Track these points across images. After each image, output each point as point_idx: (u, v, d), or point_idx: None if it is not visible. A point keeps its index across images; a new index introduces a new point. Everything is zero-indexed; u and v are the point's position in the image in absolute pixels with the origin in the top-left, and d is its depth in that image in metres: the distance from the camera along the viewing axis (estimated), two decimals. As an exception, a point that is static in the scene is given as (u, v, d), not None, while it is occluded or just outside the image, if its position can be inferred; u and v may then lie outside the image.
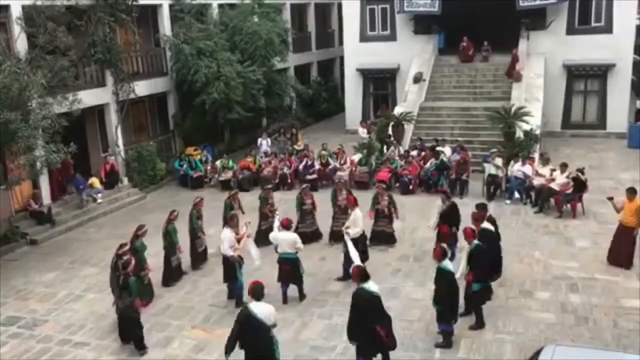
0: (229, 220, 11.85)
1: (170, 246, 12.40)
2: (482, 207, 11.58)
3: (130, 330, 10.01)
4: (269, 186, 15.41)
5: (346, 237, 11.07)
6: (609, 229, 12.43)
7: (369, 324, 8.29)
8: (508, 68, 23.06)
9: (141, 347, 9.93)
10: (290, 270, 11.21)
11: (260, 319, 7.95)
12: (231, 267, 11.31)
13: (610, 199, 12.55)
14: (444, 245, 10.07)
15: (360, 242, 11.63)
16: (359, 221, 11.76)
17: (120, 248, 10.57)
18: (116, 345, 10.25)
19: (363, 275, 8.41)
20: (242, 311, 8.11)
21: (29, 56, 15.35)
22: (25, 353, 10.16)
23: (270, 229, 12.47)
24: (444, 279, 9.30)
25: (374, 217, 13.70)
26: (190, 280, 12.64)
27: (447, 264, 9.35)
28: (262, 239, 13.33)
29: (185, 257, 12.99)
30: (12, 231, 15.57)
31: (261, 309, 8.03)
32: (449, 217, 12.55)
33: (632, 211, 11.96)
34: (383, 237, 13.73)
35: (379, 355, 8.68)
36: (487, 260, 9.98)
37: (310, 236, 14.04)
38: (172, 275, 12.53)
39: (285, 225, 11.30)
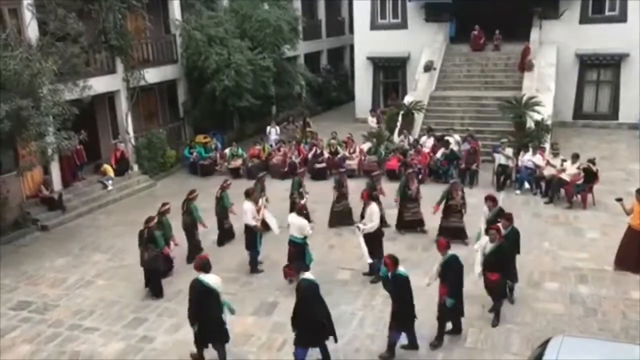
0: (251, 193, 12.52)
1: (222, 211, 13.58)
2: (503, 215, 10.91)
3: (152, 279, 11.47)
4: (343, 170, 15.97)
5: (357, 232, 11.43)
6: (619, 220, 12.29)
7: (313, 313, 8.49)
8: (520, 62, 22.82)
9: (158, 294, 11.39)
10: (295, 252, 11.39)
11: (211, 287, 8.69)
12: (253, 236, 12.20)
13: (619, 200, 11.90)
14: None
15: (376, 239, 11.64)
16: (375, 216, 11.62)
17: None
18: (126, 331, 10.36)
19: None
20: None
21: (39, 43, 15.36)
22: (37, 337, 10.28)
23: (343, 211, 14.38)
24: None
25: (443, 212, 13.27)
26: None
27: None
28: (336, 220, 14.51)
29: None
30: (23, 217, 15.73)
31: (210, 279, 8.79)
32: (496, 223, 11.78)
33: None
34: (456, 232, 13.06)
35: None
36: (462, 274, 9.30)
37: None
38: (225, 236, 13.77)
39: (299, 210, 11.74)
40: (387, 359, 9.06)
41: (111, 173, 18.32)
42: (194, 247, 12.96)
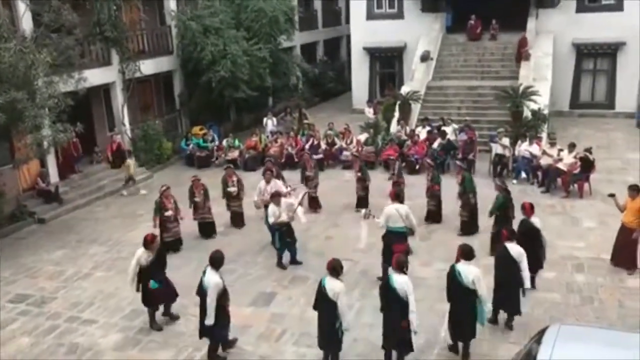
0: (266, 173, 13.45)
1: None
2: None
3: None
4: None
5: (362, 222, 11.43)
6: (616, 209, 12.26)
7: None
8: (517, 52, 22.74)
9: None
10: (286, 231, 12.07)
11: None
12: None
13: (612, 195, 11.61)
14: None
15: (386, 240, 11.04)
16: (383, 216, 10.85)
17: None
18: (124, 322, 10.37)
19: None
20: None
21: (34, 35, 15.26)
22: (35, 329, 10.29)
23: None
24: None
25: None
26: (197, 258, 12.66)
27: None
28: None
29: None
30: (20, 210, 15.69)
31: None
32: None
33: (634, 211, 10.94)
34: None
35: None
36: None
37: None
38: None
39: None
40: None
41: (132, 171, 17.77)
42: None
